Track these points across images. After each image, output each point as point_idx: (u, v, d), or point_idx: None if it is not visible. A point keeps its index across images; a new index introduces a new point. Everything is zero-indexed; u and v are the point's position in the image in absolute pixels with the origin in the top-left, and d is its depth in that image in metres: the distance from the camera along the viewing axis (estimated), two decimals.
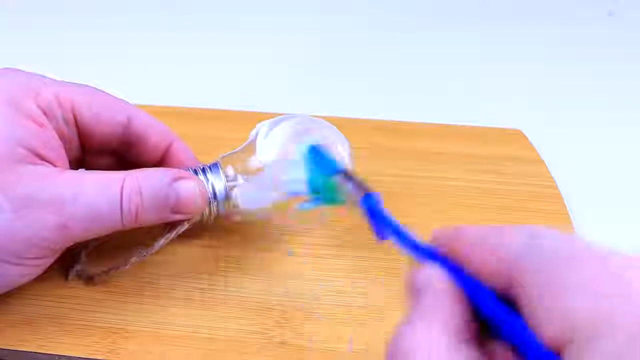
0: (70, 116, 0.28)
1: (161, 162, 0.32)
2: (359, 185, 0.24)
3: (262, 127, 0.32)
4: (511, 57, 0.54)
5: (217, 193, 0.30)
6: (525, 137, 0.42)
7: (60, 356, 0.28)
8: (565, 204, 0.37)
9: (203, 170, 0.31)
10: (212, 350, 0.29)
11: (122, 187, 0.27)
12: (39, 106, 0.27)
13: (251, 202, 0.31)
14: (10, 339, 0.29)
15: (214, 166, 0.31)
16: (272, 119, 0.32)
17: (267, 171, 0.30)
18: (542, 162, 0.40)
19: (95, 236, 0.28)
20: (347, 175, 0.25)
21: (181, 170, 0.29)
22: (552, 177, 0.39)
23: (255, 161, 0.31)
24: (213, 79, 0.51)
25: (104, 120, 0.29)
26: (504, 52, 0.55)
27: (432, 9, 0.61)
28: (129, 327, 0.29)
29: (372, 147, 0.41)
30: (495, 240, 0.17)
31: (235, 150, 0.32)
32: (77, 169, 0.32)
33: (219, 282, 0.32)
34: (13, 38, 0.55)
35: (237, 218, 0.32)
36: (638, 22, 0.58)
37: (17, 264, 0.26)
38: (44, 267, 0.28)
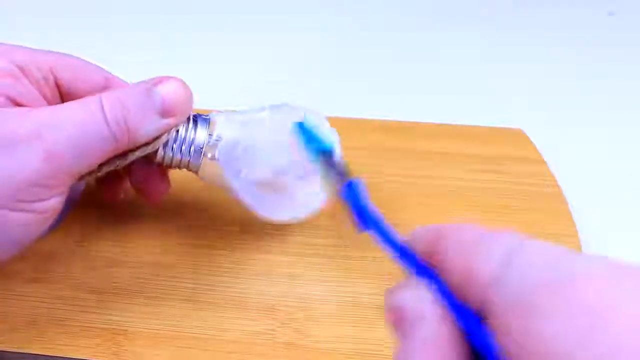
0: (50, 76, 0.29)
1: None
2: (341, 171, 0.22)
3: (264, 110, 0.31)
4: (511, 57, 0.54)
5: (192, 145, 0.29)
6: (525, 137, 0.42)
7: (63, 358, 0.28)
8: (567, 203, 0.37)
9: (194, 118, 0.30)
10: (217, 351, 0.29)
11: (100, 102, 0.26)
12: (14, 63, 0.27)
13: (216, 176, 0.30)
14: (14, 341, 0.29)
15: (203, 119, 0.30)
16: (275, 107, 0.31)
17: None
18: (543, 161, 0.40)
19: (92, 163, 0.26)
20: (329, 159, 0.23)
21: (161, 76, 0.28)
22: (553, 176, 0.39)
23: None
24: (213, 79, 0.50)
25: (82, 80, 0.30)
26: (504, 52, 0.55)
27: (432, 9, 0.61)
28: (132, 328, 0.29)
29: (372, 147, 0.41)
30: (471, 256, 0.17)
31: (235, 113, 0.31)
32: None
33: (223, 283, 0.32)
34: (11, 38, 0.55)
35: (206, 181, 0.31)
36: (638, 22, 0.58)
37: (17, 210, 0.25)
38: (47, 216, 0.26)
